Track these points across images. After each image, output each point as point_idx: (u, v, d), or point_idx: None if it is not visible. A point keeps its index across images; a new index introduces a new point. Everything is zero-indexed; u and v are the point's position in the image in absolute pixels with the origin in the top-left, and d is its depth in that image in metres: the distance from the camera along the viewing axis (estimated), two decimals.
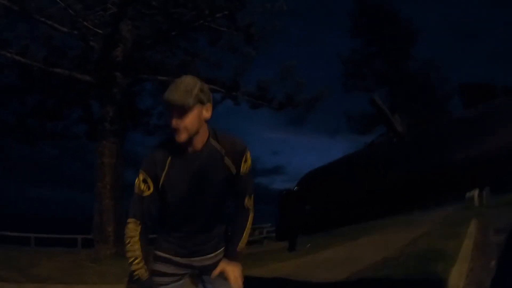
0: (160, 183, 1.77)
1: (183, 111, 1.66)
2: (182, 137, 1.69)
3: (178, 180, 1.79)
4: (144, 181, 1.76)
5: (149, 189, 1.76)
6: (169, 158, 1.77)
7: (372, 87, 28.43)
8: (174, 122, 1.66)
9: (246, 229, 1.96)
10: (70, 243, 15.05)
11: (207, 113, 1.74)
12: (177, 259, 1.93)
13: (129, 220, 1.77)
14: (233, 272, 1.92)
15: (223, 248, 2.01)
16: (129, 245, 1.76)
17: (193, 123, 1.69)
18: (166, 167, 1.77)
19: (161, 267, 1.92)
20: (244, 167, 1.86)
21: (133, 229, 1.76)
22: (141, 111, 12.60)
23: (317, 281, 6.10)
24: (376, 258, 7.58)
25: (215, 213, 1.95)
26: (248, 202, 1.94)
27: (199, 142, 1.76)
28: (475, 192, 20.88)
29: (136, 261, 1.75)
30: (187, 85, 1.67)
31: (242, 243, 1.95)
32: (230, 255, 1.95)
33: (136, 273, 1.75)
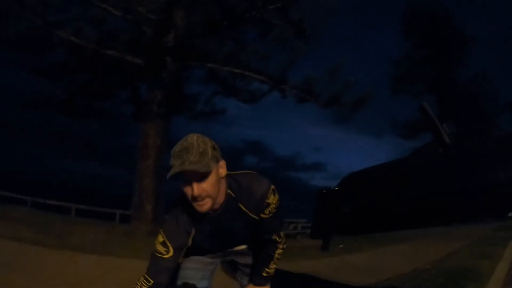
0: (184, 247, 1.72)
1: (202, 177, 1.50)
2: (206, 207, 1.55)
3: (203, 241, 1.75)
4: (164, 244, 1.67)
5: (167, 253, 1.67)
6: (193, 224, 1.69)
7: (421, 92, 27.58)
8: (196, 191, 1.49)
9: (273, 258, 1.89)
10: (109, 216, 15.57)
11: (223, 171, 1.60)
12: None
13: (144, 275, 1.69)
14: None
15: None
16: None
17: (215, 187, 1.56)
18: (192, 234, 1.70)
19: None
20: (267, 211, 1.71)
21: (142, 286, 1.68)
22: (188, 96, 12.80)
23: (343, 283, 6.06)
24: (406, 269, 7.44)
25: (243, 243, 1.98)
26: (276, 237, 1.85)
27: (219, 202, 1.64)
28: None
29: None
30: (199, 147, 1.50)
31: (269, 270, 1.90)
32: (256, 281, 1.94)
33: None
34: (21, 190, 16.37)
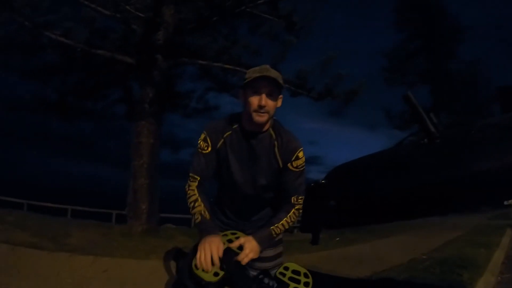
0: (217, 147, 1.94)
1: (273, 92, 1.81)
2: (264, 118, 1.82)
3: (230, 152, 1.94)
4: (205, 140, 1.93)
5: (207, 148, 1.93)
6: (229, 131, 1.94)
7: (414, 83, 27.62)
8: (263, 101, 1.78)
9: (285, 218, 1.93)
10: (105, 217, 15.54)
11: (280, 102, 1.90)
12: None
13: (190, 174, 1.95)
14: (248, 249, 1.79)
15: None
16: (191, 203, 1.89)
17: (274, 108, 1.84)
18: (224, 136, 1.93)
19: None
20: (295, 163, 1.92)
21: (190, 188, 1.92)
22: (181, 93, 12.72)
23: (339, 276, 6.08)
24: (402, 260, 7.46)
25: (263, 200, 2.06)
26: (296, 200, 1.96)
27: (262, 128, 1.90)
28: None
29: (198, 208, 1.86)
30: (276, 72, 1.82)
31: (275, 228, 1.91)
32: (259, 230, 1.91)
33: (196, 211, 1.86)
34: (17, 194, 16.37)
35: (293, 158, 1.91)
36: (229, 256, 1.72)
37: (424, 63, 28.27)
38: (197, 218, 1.84)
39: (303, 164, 1.94)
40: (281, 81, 1.80)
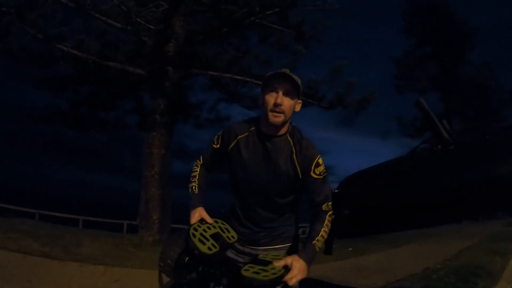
0: (229, 149, 1.96)
1: (290, 92, 1.80)
2: (279, 119, 1.80)
3: (244, 154, 1.93)
4: (218, 138, 2.00)
5: (217, 144, 2.01)
6: (246, 133, 1.94)
7: (425, 90, 27.23)
8: (279, 99, 1.77)
9: (323, 228, 1.88)
10: (116, 227, 15.60)
11: (299, 107, 1.89)
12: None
13: (198, 159, 2.10)
14: (296, 270, 1.67)
15: (277, 252, 1.94)
16: (191, 179, 2.03)
17: (291, 110, 1.83)
18: (238, 137, 1.94)
19: None
20: (317, 170, 1.89)
21: (195, 166, 2.08)
22: (192, 104, 12.85)
23: (353, 287, 6.01)
24: (416, 269, 7.35)
25: (277, 206, 2.00)
26: (327, 207, 1.93)
27: (279, 131, 1.88)
28: None
29: (193, 184, 2.01)
30: (295, 76, 1.82)
31: (317, 242, 1.83)
32: (304, 248, 1.82)
33: (190, 185, 2.02)
34: (29, 203, 16.56)
35: (314, 166, 1.88)
36: (219, 239, 1.75)
37: (434, 69, 27.95)
38: (189, 193, 2.00)
39: (325, 170, 1.92)
40: (299, 82, 1.80)
